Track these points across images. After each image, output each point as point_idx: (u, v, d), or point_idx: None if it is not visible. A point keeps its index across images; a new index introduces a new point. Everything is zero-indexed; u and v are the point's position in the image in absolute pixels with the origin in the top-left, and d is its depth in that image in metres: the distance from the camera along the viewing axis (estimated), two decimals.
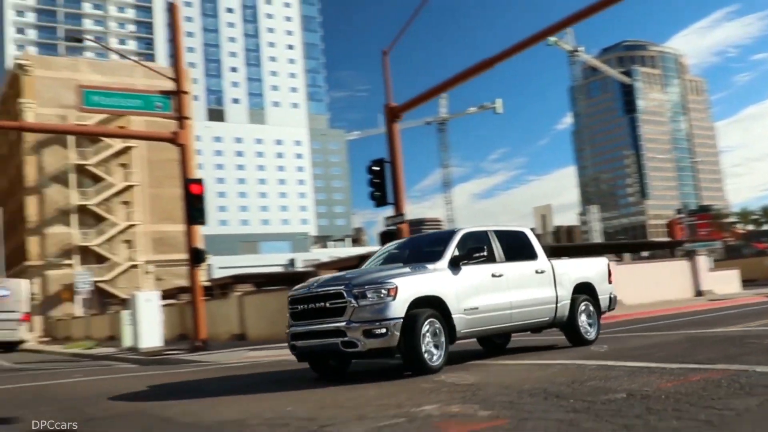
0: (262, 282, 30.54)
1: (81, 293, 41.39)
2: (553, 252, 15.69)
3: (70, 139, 62.71)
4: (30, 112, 62.27)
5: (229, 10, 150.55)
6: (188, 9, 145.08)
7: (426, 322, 8.84)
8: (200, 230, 20.47)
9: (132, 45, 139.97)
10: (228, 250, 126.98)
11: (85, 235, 64.14)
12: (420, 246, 11.17)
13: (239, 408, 7.12)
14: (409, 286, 8.88)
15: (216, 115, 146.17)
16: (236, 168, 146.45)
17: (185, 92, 19.68)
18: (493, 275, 10.16)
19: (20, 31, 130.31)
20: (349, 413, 6.10)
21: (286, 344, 9.82)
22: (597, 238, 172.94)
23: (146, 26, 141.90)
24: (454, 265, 9.66)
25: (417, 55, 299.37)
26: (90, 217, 64.72)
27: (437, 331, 9.04)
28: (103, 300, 55.16)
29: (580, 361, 8.91)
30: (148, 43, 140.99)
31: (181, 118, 19.48)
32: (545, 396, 6.08)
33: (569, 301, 11.36)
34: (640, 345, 11.09)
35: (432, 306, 9.05)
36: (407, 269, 9.38)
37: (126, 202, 66.68)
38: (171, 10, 20.52)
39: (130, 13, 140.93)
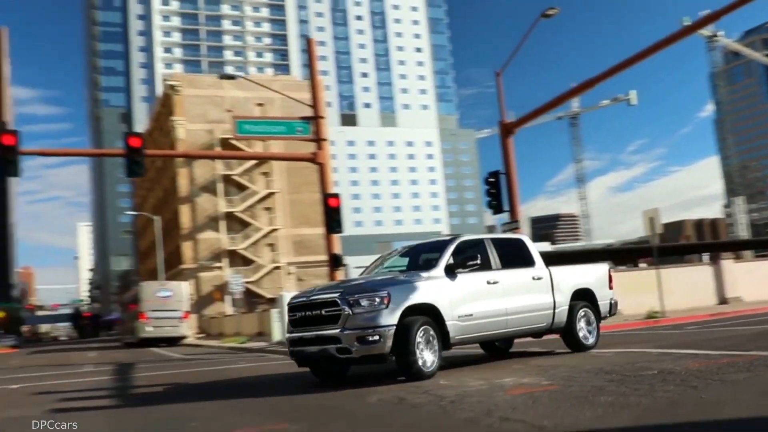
0: None
1: (234, 294, 45.51)
2: (665, 252, 16.99)
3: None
4: (181, 128, 68.05)
5: (359, 18, 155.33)
6: (319, 19, 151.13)
7: (419, 330, 9.13)
8: (338, 235, 23.01)
9: (269, 57, 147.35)
10: (364, 251, 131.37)
11: (233, 239, 69.33)
12: (417, 254, 11.45)
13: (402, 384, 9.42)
14: (402, 294, 9.19)
15: (348, 119, 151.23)
16: (369, 170, 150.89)
17: (322, 117, 22.38)
18: (488, 282, 10.42)
19: (167, 50, 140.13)
20: (461, 378, 8.27)
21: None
22: (743, 231, 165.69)
23: (281, 38, 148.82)
24: (449, 272, 9.94)
25: (541, 56, 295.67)
26: (236, 223, 69.88)
27: (431, 338, 9.32)
28: (251, 299, 59.70)
29: (649, 350, 10.72)
30: (283, 54, 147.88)
31: (318, 140, 22.20)
32: (597, 373, 8.06)
33: (567, 307, 11.55)
34: (713, 337, 12.60)
35: (426, 313, 9.34)
36: (402, 277, 9.73)
37: (268, 208, 71.41)
38: (308, 45, 23.22)
39: (266, 27, 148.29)
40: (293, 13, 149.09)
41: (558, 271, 11.59)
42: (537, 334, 11.57)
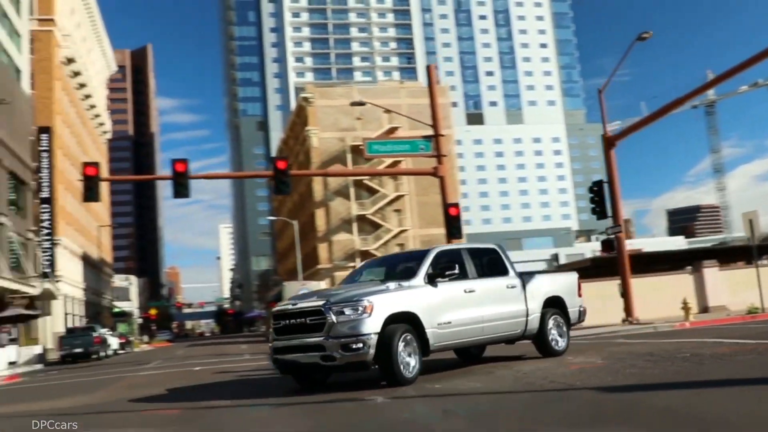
0: None
1: None
2: None
3: (349, 160, 71.86)
4: (315, 137, 72.54)
5: (482, 17, 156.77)
6: (444, 21, 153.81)
7: (401, 337, 9.41)
8: (464, 232, 25.59)
9: (395, 61, 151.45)
10: None
11: (365, 240, 73.22)
12: (396, 264, 11.79)
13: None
14: (384, 303, 9.46)
15: (475, 118, 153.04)
16: (496, 168, 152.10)
17: (441, 135, 25.08)
18: (466, 291, 10.78)
19: (299, 60, 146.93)
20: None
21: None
22: None
23: (406, 42, 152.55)
24: (428, 281, 10.29)
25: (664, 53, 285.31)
26: (368, 225, 73.72)
27: (412, 344, 9.62)
28: None
29: (707, 339, 12.76)
30: (409, 57, 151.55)
31: (439, 156, 24.92)
32: (642, 355, 10.36)
33: (540, 315, 11.93)
34: (756, 330, 14.30)
35: (406, 321, 9.64)
36: (383, 287, 9.96)
37: (397, 210, 74.83)
38: (428, 71, 25.98)
39: (392, 32, 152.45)
40: (418, 17, 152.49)
41: (530, 279, 12.09)
42: (511, 340, 11.94)
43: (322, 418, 7.62)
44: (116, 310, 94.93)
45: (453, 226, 24.09)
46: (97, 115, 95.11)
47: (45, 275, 55.27)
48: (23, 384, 20.50)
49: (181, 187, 22.72)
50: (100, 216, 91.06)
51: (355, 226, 73.11)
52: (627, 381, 7.70)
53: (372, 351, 9.10)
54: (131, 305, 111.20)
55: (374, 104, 38.78)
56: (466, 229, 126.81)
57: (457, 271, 10.41)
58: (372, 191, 74.06)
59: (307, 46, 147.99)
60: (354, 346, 9.07)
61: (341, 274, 71.05)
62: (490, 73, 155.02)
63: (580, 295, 12.87)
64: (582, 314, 12.88)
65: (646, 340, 13.54)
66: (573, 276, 13.24)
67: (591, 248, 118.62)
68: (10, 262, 46.14)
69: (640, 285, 24.22)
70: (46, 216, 58.63)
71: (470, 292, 10.77)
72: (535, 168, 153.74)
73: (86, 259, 78.98)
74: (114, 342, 47.64)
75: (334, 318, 9.19)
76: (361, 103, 28.90)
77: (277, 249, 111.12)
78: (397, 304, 9.58)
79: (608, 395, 6.89)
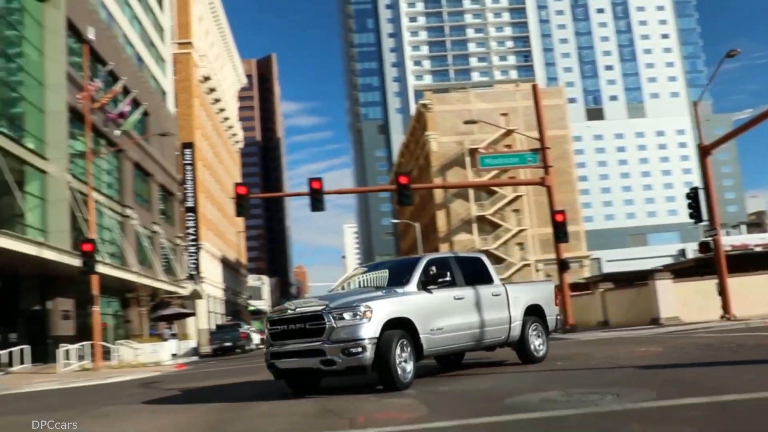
0: (620, 280, 36.93)
1: None
2: None
3: (467, 163, 74.45)
4: (434, 141, 75.60)
5: (600, 11, 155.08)
6: (560, 17, 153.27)
7: (398, 342, 9.57)
8: (586, 229, 27.84)
9: (512, 60, 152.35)
10: (616, 244, 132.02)
11: (485, 240, 75.64)
12: (388, 271, 11.90)
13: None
14: (382, 308, 9.62)
15: (595, 114, 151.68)
16: (618, 163, 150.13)
17: (548, 148, 27.45)
18: (455, 298, 11.02)
19: (417, 63, 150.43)
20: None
21: (634, 328, 13.05)
22: None
23: (523, 40, 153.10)
24: (421, 288, 10.52)
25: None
26: (487, 225, 76.10)
27: (407, 350, 9.78)
28: None
29: (746, 333, 14.73)
30: (526, 55, 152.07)
31: (546, 167, 27.31)
32: (699, 345, 12.67)
33: (521, 322, 12.26)
34: None
35: (402, 327, 9.77)
36: (380, 293, 10.22)
37: (516, 210, 76.78)
38: (534, 91, 28.41)
39: (508, 31, 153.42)
40: (534, 15, 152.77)
41: (513, 288, 12.45)
42: (494, 347, 12.21)
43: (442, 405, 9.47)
44: (251, 308, 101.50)
45: (560, 231, 26.38)
46: (230, 127, 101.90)
47: (192, 277, 61.01)
48: (193, 371, 24.48)
49: (317, 202, 26.19)
50: (235, 220, 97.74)
51: (475, 227, 75.64)
52: (665, 362, 10.16)
53: (371, 355, 9.27)
54: (264, 303, 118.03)
55: (486, 122, 41.25)
56: (588, 226, 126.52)
57: (449, 278, 10.78)
58: (491, 192, 76.33)
59: (424, 50, 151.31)
60: (354, 351, 9.20)
61: None
62: (609, 67, 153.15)
63: (556, 304, 13.39)
64: (558, 322, 13.40)
65: (721, 334, 15.12)
66: (550, 285, 13.90)
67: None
68: (163, 266, 51.74)
69: (742, 283, 25.64)
70: (191, 223, 64.46)
71: (459, 299, 11.10)
72: (659, 162, 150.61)
73: (224, 262, 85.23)
74: (255, 337, 52.35)
75: (333, 323, 9.31)
76: (473, 122, 31.57)
77: (400, 249, 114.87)
78: (393, 310, 9.79)
79: (643, 370, 9.39)
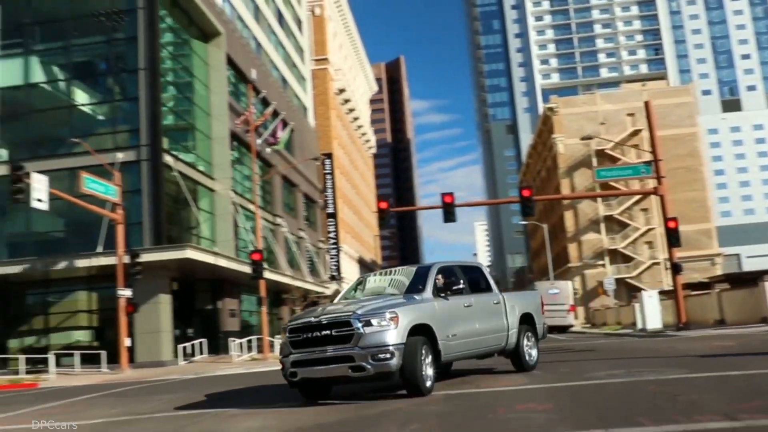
0: (741, 279, 38.29)
1: (609, 291, 53.68)
2: None
3: (594, 164, 75.92)
4: (560, 144, 77.53)
5: None
6: (692, 7, 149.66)
7: (422, 348, 9.63)
8: (724, 224, 30.05)
9: (642, 53, 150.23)
10: (758, 239, 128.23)
11: (612, 239, 76.85)
12: (399, 277, 11.85)
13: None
14: (407, 314, 9.64)
15: (731, 105, 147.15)
16: (758, 155, 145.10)
17: (660, 160, 29.83)
18: (465, 305, 11.13)
19: (544, 62, 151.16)
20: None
21: (744, 327, 13.94)
22: None
23: (653, 34, 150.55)
24: (436, 295, 10.61)
25: None
26: (615, 224, 77.24)
27: (428, 355, 9.85)
28: (630, 293, 66.77)
29: None
30: (656, 49, 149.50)
31: (659, 177, 29.72)
32: (721, 348, 15.34)
33: (517, 330, 12.38)
34: None
35: (423, 333, 9.80)
36: (401, 299, 10.26)
37: (644, 209, 77.46)
38: (646, 107, 30.84)
39: (637, 25, 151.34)
40: (664, 6, 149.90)
41: (509, 297, 12.59)
42: (492, 354, 12.29)
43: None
44: None
45: (672, 237, 28.72)
46: (363, 134, 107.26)
47: (333, 278, 66.16)
48: None
49: (449, 215, 29.82)
50: (370, 222, 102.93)
51: (602, 226, 76.98)
52: (727, 352, 13.06)
53: (399, 361, 9.27)
54: None
55: (604, 138, 43.35)
56: (726, 221, 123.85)
57: (462, 285, 11.00)
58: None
59: (551, 48, 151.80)
60: (382, 357, 9.19)
61: (591, 272, 75.42)
62: (746, 56, 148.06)
63: (543, 313, 13.67)
64: (545, 331, 13.69)
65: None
66: (538, 294, 14.21)
67: None
68: (308, 268, 56.94)
69: None
70: (331, 228, 69.69)
71: (468, 306, 11.24)
72: None
73: (361, 262, 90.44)
74: None
75: (362, 329, 9.27)
76: (589, 138, 34.18)
77: (530, 247, 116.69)
78: (416, 316, 9.85)
79: (701, 358, 12.32)
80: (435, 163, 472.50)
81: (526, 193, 29.92)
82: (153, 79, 33.42)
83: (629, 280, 73.12)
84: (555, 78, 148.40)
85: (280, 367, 10.31)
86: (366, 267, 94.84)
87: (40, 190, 23.47)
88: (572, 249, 77.65)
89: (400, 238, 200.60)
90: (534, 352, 12.97)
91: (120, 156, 32.19)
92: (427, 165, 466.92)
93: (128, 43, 34.59)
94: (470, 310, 11.22)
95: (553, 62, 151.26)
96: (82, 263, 30.99)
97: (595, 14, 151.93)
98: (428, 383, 9.72)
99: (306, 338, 9.69)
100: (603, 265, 75.32)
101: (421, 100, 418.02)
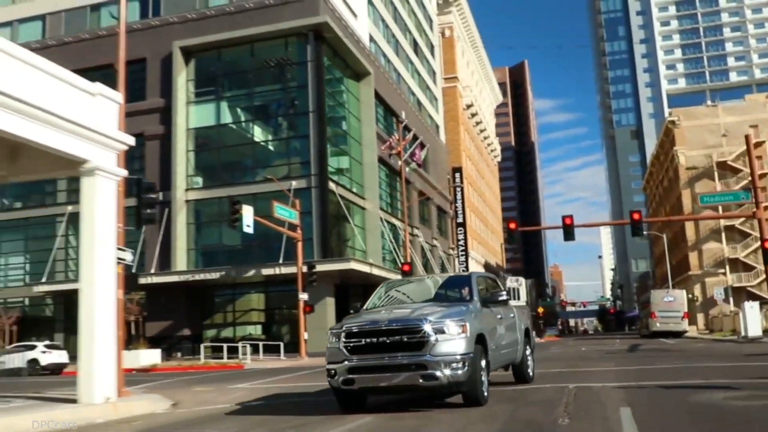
0: None
1: (719, 301, 57.16)
2: None
3: (716, 175, 78.18)
4: (682, 156, 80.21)
5: None
6: None
7: (482, 358, 9.54)
8: None
9: None
10: None
11: (733, 248, 78.83)
12: (436, 284, 11.92)
13: None
14: (473, 323, 9.48)
15: None
16: None
17: (762, 188, 34.05)
18: (498, 317, 11.11)
19: (670, 67, 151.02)
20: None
21: None
22: None
23: None
24: (483, 305, 10.48)
25: None
26: (736, 234, 79.15)
27: (486, 365, 9.74)
28: (749, 301, 69.11)
29: None
30: None
31: (757, 202, 33.95)
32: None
33: (523, 344, 12.54)
34: None
35: (479, 343, 9.59)
36: (461, 307, 9.95)
37: None
38: (746, 142, 35.12)
39: None
40: None
41: (516, 309, 12.70)
42: (507, 367, 12.37)
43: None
44: None
45: (766, 255, 32.96)
46: (489, 144, 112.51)
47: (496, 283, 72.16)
48: None
49: (569, 235, 35.21)
50: (495, 228, 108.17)
51: (723, 236, 79.10)
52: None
53: (468, 371, 9.08)
54: (521, 304, 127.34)
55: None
56: None
57: (504, 296, 11.17)
58: (739, 204, 79.25)
59: (677, 53, 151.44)
60: (455, 366, 8.96)
61: (711, 280, 77.84)
62: None
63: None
64: (534, 347, 13.90)
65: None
66: (528, 309, 15.07)
67: None
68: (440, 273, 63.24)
69: None
70: (461, 236, 75.63)
71: (500, 318, 11.28)
72: None
73: (486, 266, 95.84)
74: None
75: (435, 336, 9.01)
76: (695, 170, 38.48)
77: (654, 253, 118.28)
78: (478, 326, 9.77)
79: (746, 356, 17.55)
80: (560, 162, 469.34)
81: (635, 216, 34.90)
82: (320, 119, 40.61)
83: (750, 289, 75.06)
84: (681, 83, 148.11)
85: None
86: (491, 271, 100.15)
87: (248, 217, 30.79)
88: (693, 258, 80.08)
89: (524, 241, 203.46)
90: (532, 365, 13.32)
91: (293, 183, 39.54)
92: (552, 165, 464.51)
93: (299, 89, 41.97)
94: (501, 321, 11.28)
95: (680, 67, 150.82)
96: (266, 271, 38.50)
97: (725, 17, 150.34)
98: (485, 393, 9.66)
99: (369, 344, 9.26)
100: (723, 274, 77.48)
101: (545, 99, 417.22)
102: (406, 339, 9.08)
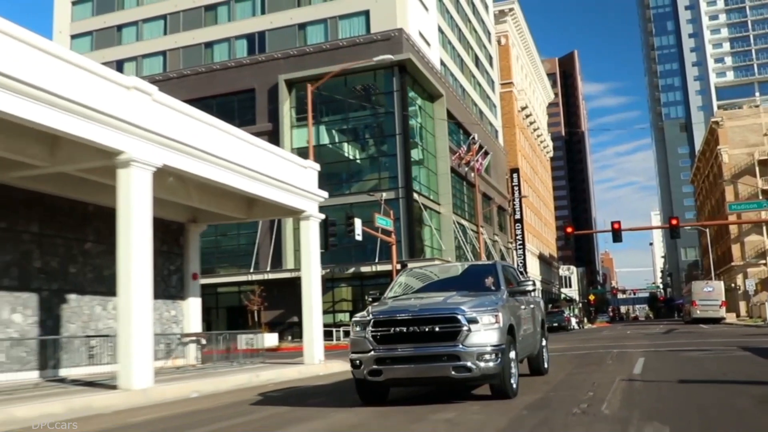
0: None
1: (750, 291, 63.44)
2: None
3: (757, 173, 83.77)
4: (725, 154, 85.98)
5: None
6: None
7: (512, 349, 9.44)
8: None
9: None
10: None
11: None
12: (462, 273, 11.91)
13: None
14: (504, 313, 9.29)
15: None
16: None
17: None
18: (522, 307, 10.96)
19: (718, 60, 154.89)
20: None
21: None
22: None
23: None
24: (510, 295, 10.40)
25: None
26: None
27: (515, 357, 9.62)
28: None
29: None
30: None
31: None
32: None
33: (540, 335, 12.39)
34: None
35: (509, 334, 9.39)
36: (491, 297, 9.78)
37: None
38: None
39: None
40: None
41: (534, 301, 12.51)
42: (524, 360, 11.87)
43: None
44: (563, 296, 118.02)
45: None
46: (541, 141, 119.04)
47: (521, 273, 79.37)
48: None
49: (617, 239, 42.33)
50: (548, 220, 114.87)
51: (764, 228, 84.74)
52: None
53: (500, 363, 8.87)
54: (573, 291, 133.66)
55: None
56: None
57: (531, 286, 11.02)
58: None
59: (726, 47, 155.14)
60: (488, 357, 8.75)
61: (753, 271, 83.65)
62: None
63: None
64: (547, 339, 13.66)
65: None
66: (542, 301, 14.57)
67: None
68: None
69: None
70: (518, 231, 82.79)
71: (524, 308, 11.13)
72: None
73: (541, 257, 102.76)
74: (573, 321, 69.08)
75: (468, 326, 8.77)
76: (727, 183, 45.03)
77: (702, 243, 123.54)
78: (509, 317, 9.59)
79: (741, 337, 24.68)
80: (611, 147, 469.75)
81: (673, 222, 41.88)
82: (405, 141, 48.42)
83: None
84: (730, 76, 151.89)
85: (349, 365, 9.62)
86: (545, 261, 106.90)
87: (358, 227, 38.72)
88: (735, 249, 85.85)
89: (575, 228, 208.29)
90: (546, 357, 13.21)
91: (384, 195, 47.40)
92: (602, 149, 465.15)
93: (386, 115, 49.77)
94: (525, 312, 11.11)
95: (728, 60, 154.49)
96: (364, 269, 46.51)
97: None
98: (514, 386, 9.47)
99: (398, 333, 9.01)
100: (765, 264, 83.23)
101: (595, 83, 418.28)
102: (438, 329, 8.87)
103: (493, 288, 10.42)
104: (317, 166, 22.18)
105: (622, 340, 28.26)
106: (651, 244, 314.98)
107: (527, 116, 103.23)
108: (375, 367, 9.07)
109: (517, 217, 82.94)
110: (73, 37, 60.01)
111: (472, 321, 8.82)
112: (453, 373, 8.78)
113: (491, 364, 8.78)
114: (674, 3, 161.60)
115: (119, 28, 59.27)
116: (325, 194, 21.85)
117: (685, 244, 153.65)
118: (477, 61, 75.56)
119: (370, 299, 10.88)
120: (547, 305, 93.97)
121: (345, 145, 51.74)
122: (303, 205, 20.84)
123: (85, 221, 18.51)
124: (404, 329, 8.96)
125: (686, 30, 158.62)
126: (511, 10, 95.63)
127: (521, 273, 13.17)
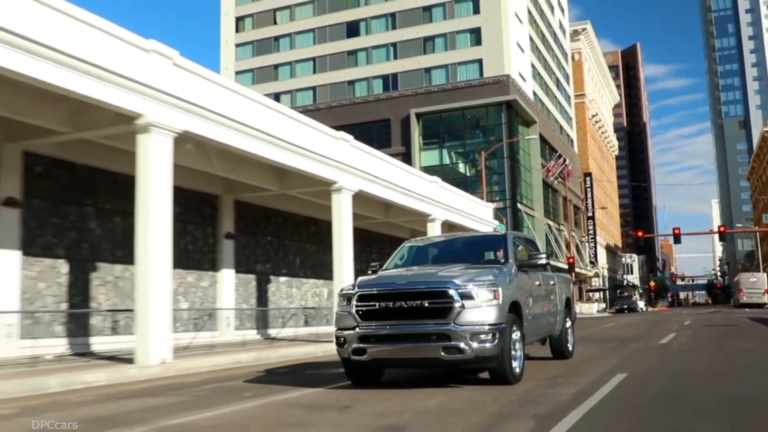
0: None
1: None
2: None
3: None
4: None
5: None
6: None
7: (514, 329, 8.49)
8: None
9: None
10: None
11: None
12: (469, 245, 11.09)
13: None
14: (506, 288, 8.42)
15: None
16: None
17: None
18: (536, 284, 10.05)
19: None
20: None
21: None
22: None
23: None
24: (519, 269, 9.38)
25: None
26: None
27: (520, 337, 8.69)
28: None
29: None
30: None
31: None
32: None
33: (562, 315, 11.52)
34: None
35: (512, 311, 8.55)
36: (494, 269, 8.76)
37: None
38: None
39: None
40: None
41: (557, 277, 11.57)
42: (544, 340, 11.41)
43: None
44: (627, 282, 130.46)
45: None
46: (608, 142, 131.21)
47: (592, 263, 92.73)
48: (625, 319, 55.58)
49: (677, 242, 55.58)
50: (613, 213, 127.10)
51: None
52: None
53: (498, 343, 7.96)
54: (634, 278, 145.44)
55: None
56: None
57: (544, 260, 9.92)
58: None
59: None
60: (484, 338, 7.85)
61: None
62: None
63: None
64: (575, 317, 12.82)
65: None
66: (571, 280, 13.47)
67: None
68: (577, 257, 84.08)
69: None
70: (590, 227, 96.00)
71: (539, 285, 10.24)
72: None
73: (607, 248, 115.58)
74: (641, 304, 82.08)
75: (461, 302, 7.90)
76: None
77: (756, 235, 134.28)
78: (512, 292, 8.70)
79: (747, 319, 38.04)
80: (673, 129, 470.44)
81: (722, 229, 55.08)
82: (511, 162, 62.41)
83: None
84: None
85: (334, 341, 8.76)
86: (610, 251, 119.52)
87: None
88: None
89: (635, 216, 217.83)
90: (572, 339, 12.20)
91: (494, 205, 61.56)
92: (665, 132, 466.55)
93: (496, 141, 63.83)
94: (539, 289, 10.25)
95: None
96: None
97: None
98: (517, 370, 8.54)
99: (385, 308, 8.19)
100: None
101: (659, 65, 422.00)
102: (427, 304, 7.99)
103: (501, 261, 9.62)
104: (350, 137, 21.79)
105: (674, 317, 41.90)
106: (711, 230, 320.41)
107: (597, 122, 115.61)
108: (359, 345, 8.33)
109: (590, 215, 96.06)
110: (237, 73, 75.12)
111: (467, 296, 7.95)
112: (443, 354, 7.91)
113: (487, 345, 7.89)
114: (735, 6, 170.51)
115: (276, 66, 74.25)
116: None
117: (741, 236, 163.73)
118: (558, 83, 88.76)
119: (370, 271, 10.09)
120: (615, 291, 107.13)
121: (463, 164, 65.98)
122: (335, 176, 20.53)
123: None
124: (390, 304, 8.19)
125: (746, 32, 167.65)
126: (584, 29, 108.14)
127: (533, 244, 11.98)
